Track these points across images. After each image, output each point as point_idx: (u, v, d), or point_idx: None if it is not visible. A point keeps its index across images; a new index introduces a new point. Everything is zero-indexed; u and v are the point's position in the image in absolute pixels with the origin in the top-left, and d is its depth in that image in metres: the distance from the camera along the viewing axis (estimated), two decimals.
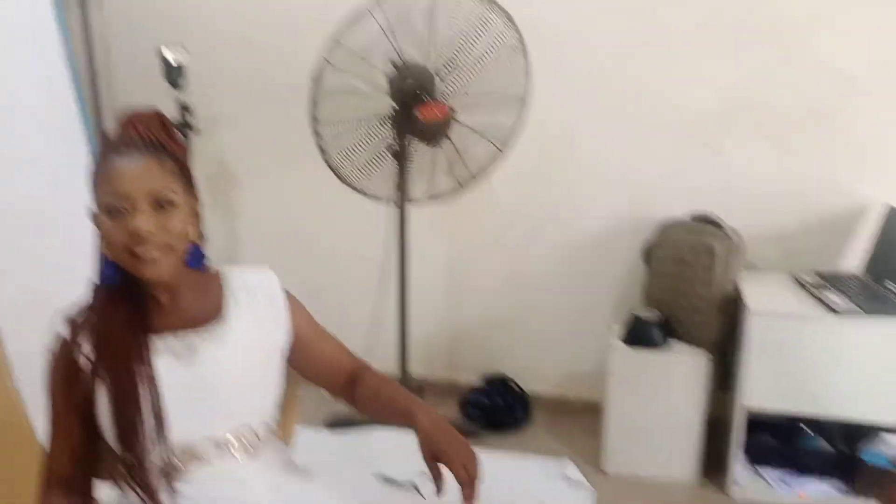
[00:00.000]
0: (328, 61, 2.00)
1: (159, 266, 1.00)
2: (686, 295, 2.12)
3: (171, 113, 2.34)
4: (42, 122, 2.15)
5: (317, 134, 2.07)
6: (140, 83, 2.68)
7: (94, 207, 1.02)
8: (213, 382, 1.06)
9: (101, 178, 1.01)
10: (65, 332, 1.06)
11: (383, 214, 2.36)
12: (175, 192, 1.02)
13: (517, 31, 2.03)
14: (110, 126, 2.75)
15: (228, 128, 2.66)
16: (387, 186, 2.23)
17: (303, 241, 2.77)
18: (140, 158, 1.00)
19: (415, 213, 2.34)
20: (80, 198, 2.10)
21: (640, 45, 2.24)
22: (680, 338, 2.14)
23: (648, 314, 2.15)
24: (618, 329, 2.21)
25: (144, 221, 0.97)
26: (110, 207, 0.98)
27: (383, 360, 2.59)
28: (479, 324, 2.70)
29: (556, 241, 2.50)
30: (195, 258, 1.11)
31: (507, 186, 2.47)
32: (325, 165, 2.12)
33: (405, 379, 2.47)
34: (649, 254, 2.24)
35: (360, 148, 2.15)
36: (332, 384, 1.23)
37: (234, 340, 1.08)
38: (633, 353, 2.14)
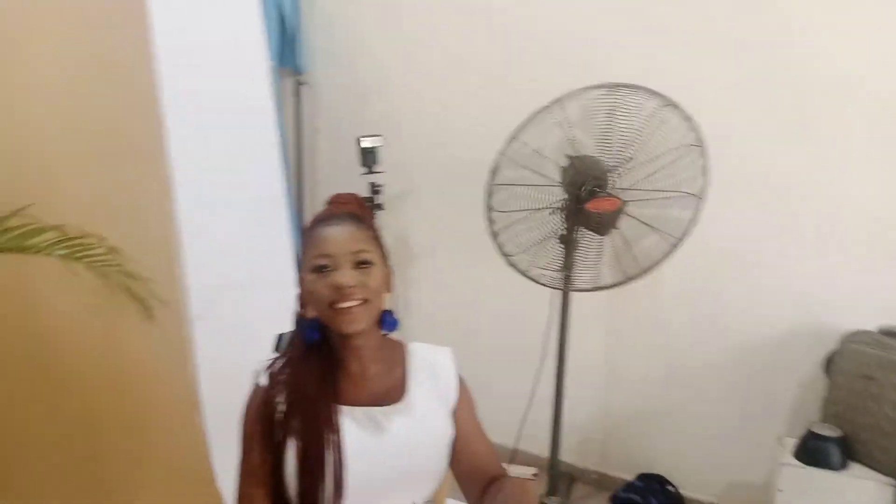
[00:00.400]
0: (505, 155, 2.13)
1: (358, 319, 1.11)
2: (872, 414, 1.95)
3: (363, 190, 2.60)
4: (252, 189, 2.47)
5: (490, 220, 2.19)
6: (338, 163, 3.01)
7: (303, 270, 1.16)
8: (392, 460, 1.13)
9: (310, 244, 1.16)
10: (264, 382, 1.17)
11: (545, 300, 2.41)
12: (372, 253, 1.15)
13: (696, 131, 2.04)
14: (311, 197, 3.11)
15: (412, 207, 2.88)
16: (552, 272, 2.29)
17: (466, 318, 2.89)
18: (343, 226, 1.16)
19: (576, 299, 2.37)
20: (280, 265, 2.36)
21: (821, 157, 2.16)
22: (861, 461, 1.96)
23: (827, 431, 1.99)
24: (790, 443, 2.07)
25: (347, 277, 1.10)
26: (317, 267, 1.12)
27: (536, 446, 2.62)
28: (636, 417, 2.63)
29: (725, 340, 2.39)
30: (389, 323, 1.21)
31: (675, 281, 2.43)
32: (494, 249, 2.22)
33: (555, 466, 2.46)
34: (831, 365, 2.09)
35: (529, 235, 2.24)
36: (472, 487, 1.22)
37: (415, 422, 1.16)
38: (806, 473, 1.97)
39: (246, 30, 2.34)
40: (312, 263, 1.13)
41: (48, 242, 1.09)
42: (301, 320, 1.21)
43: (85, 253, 1.13)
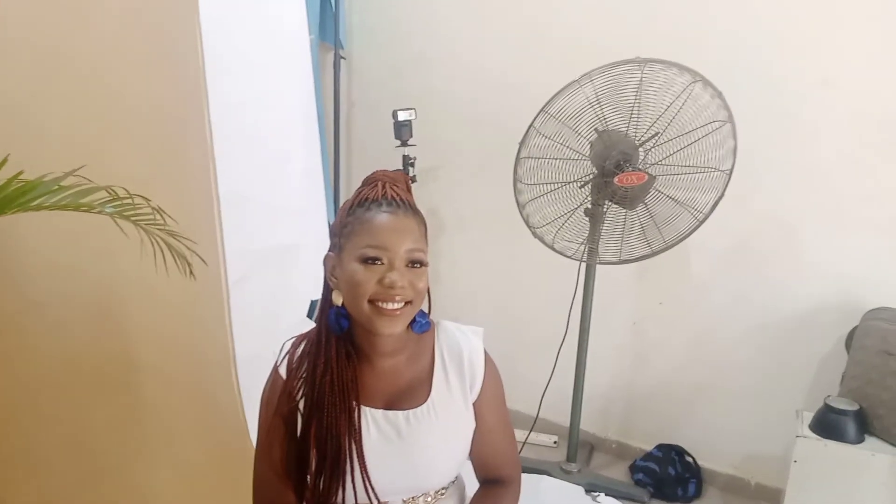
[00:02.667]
0: (534, 128, 2.18)
1: (399, 323, 1.04)
2: (890, 390, 1.97)
3: (397, 163, 2.68)
4: (291, 160, 2.56)
5: (517, 192, 2.24)
6: (372, 136, 3.09)
7: (344, 254, 1.06)
8: (410, 463, 1.10)
9: (363, 229, 1.04)
10: (283, 373, 1.12)
11: (573, 273, 2.46)
12: (424, 253, 1.06)
13: (727, 108, 2.06)
14: (346, 167, 3.19)
15: (443, 180, 2.95)
16: (578, 245, 2.34)
17: (495, 290, 2.96)
18: (404, 218, 1.05)
19: (605, 272, 2.42)
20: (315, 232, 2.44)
21: (867, 144, 2.16)
22: (878, 435, 1.98)
23: (844, 405, 2.02)
24: (808, 417, 2.10)
25: (400, 276, 1.01)
26: (367, 257, 1.02)
27: (557, 414, 2.70)
28: (658, 390, 2.68)
29: (750, 316, 2.42)
30: (420, 325, 1.13)
31: (703, 256, 2.47)
32: (521, 222, 2.28)
33: (575, 435, 2.53)
34: (851, 341, 2.11)
35: (556, 207, 2.28)
36: (478, 472, 1.21)
37: (438, 425, 1.11)
38: (823, 445, 2.01)
39: (289, 3, 2.41)
40: (362, 253, 1.03)
41: (100, 201, 1.18)
42: (327, 305, 1.12)
43: (134, 212, 1.21)
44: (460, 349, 1.16)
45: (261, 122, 2.34)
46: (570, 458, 2.55)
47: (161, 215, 1.29)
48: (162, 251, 1.30)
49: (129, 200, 1.21)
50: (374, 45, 3.09)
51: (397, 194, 1.09)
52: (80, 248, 1.62)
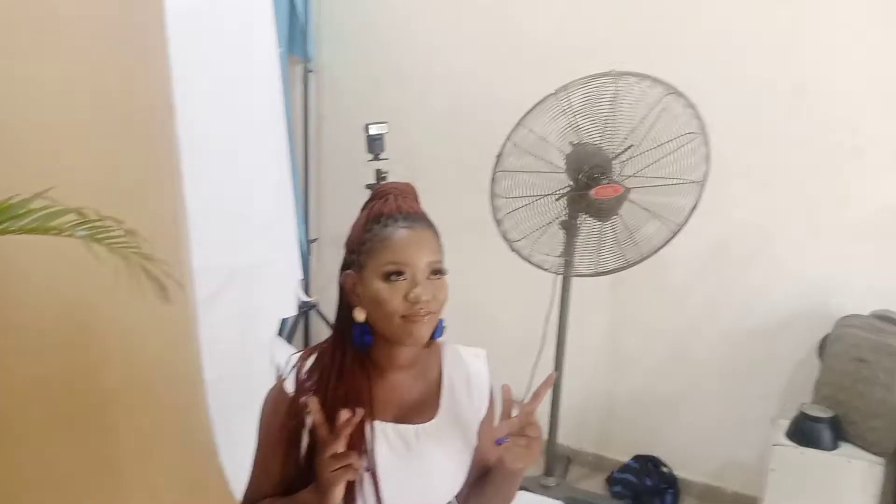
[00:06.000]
0: (511, 141, 2.17)
1: (426, 334, 1.04)
2: (863, 396, 2.01)
3: (368, 177, 2.64)
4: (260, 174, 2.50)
5: (494, 206, 2.23)
6: (343, 150, 3.05)
7: (366, 272, 1.05)
8: (416, 479, 1.09)
9: (382, 246, 1.04)
10: (290, 389, 1.08)
11: (549, 285, 2.45)
12: (442, 263, 1.08)
13: (699, 119, 2.08)
14: (316, 183, 3.13)
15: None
16: (554, 258, 2.33)
17: (471, 303, 2.91)
18: (421, 230, 1.07)
19: (580, 285, 2.41)
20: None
21: (839, 150, 2.21)
22: (852, 441, 2.02)
23: (819, 412, 2.05)
24: (784, 425, 2.13)
25: (423, 290, 1.02)
26: (390, 273, 1.02)
27: None
28: (633, 400, 2.68)
29: (725, 326, 2.45)
30: (437, 330, 1.13)
31: (676, 266, 2.49)
32: (495, 234, 2.27)
33: (552, 448, 2.51)
34: (824, 348, 2.15)
35: (532, 221, 2.28)
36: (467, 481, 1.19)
37: (444, 442, 1.11)
38: (799, 453, 2.04)
39: (257, 16, 2.36)
40: (384, 269, 1.03)
41: (70, 224, 1.11)
42: (344, 323, 1.11)
43: (105, 235, 1.15)
44: (467, 370, 1.19)
45: (229, 135, 2.29)
46: (548, 472, 2.53)
47: (134, 237, 1.23)
48: (138, 275, 1.24)
49: (101, 222, 1.16)
50: (343, 57, 3.05)
51: (411, 207, 1.10)
52: (51, 270, 1.55)
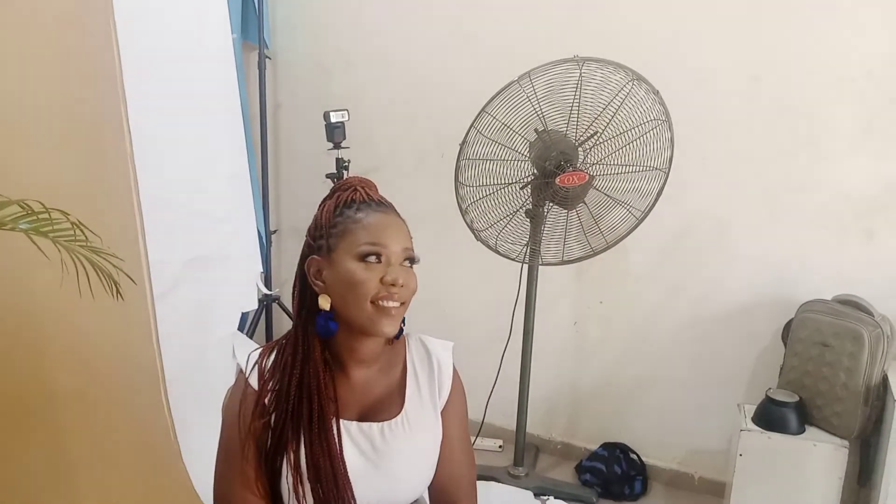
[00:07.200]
0: (475, 128, 2.13)
1: (397, 322, 1.03)
2: (827, 380, 2.03)
3: (329, 165, 2.58)
4: (216, 165, 2.42)
5: (459, 195, 2.19)
6: (301, 138, 2.97)
7: (336, 254, 1.03)
8: (383, 478, 1.07)
9: (358, 227, 1.03)
10: (254, 384, 1.06)
11: (515, 275, 2.42)
12: (413, 253, 1.08)
13: (663, 105, 2.07)
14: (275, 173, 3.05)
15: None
16: (520, 246, 2.31)
17: (436, 294, 2.88)
18: (395, 217, 1.08)
19: (546, 274, 2.40)
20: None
21: (796, 137, 2.21)
22: (817, 425, 2.05)
23: (785, 397, 2.07)
24: (750, 410, 2.14)
25: (402, 274, 1.02)
26: (367, 254, 1.02)
27: (501, 417, 2.66)
28: (601, 389, 2.68)
29: (688, 312, 2.45)
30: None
31: (641, 253, 2.48)
32: (460, 223, 2.23)
33: (521, 438, 2.50)
34: (788, 333, 2.16)
35: (497, 210, 2.25)
36: (433, 497, 1.18)
37: (410, 438, 1.09)
38: (764, 437, 2.05)
39: (209, 1, 2.28)
40: (361, 250, 1.02)
41: (12, 216, 1.04)
42: (305, 311, 1.09)
43: (51, 228, 1.08)
44: (431, 360, 1.17)
45: (182, 124, 2.22)
46: (517, 461, 2.52)
47: (82, 230, 1.16)
48: (85, 270, 1.17)
49: (46, 215, 1.09)
50: (300, 43, 2.97)
51: (381, 198, 1.11)
52: None
